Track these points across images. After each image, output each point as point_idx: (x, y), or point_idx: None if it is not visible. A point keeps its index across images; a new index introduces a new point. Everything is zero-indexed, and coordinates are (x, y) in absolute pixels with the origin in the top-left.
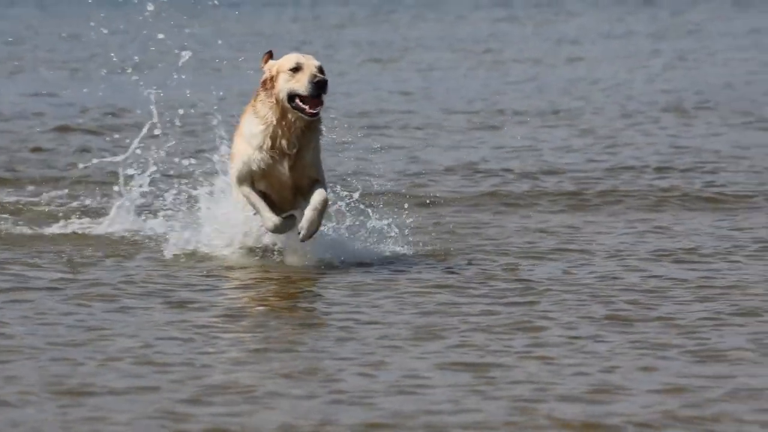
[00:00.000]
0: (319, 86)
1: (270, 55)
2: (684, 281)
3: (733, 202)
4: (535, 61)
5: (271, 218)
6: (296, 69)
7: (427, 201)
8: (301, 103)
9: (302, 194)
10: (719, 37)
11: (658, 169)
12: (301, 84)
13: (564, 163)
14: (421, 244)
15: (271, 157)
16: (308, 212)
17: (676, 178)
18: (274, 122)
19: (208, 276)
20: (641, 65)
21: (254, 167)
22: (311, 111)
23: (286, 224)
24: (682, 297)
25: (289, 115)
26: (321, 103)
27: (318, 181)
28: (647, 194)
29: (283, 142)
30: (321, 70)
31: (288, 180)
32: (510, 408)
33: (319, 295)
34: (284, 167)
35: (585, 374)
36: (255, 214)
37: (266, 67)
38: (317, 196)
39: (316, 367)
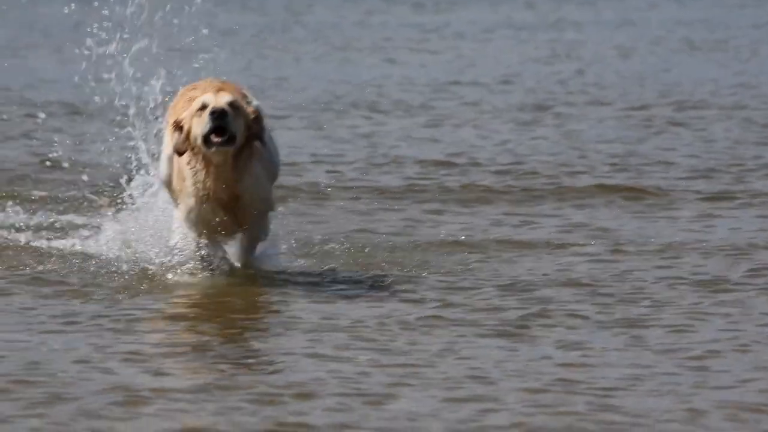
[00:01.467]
0: (217, 117)
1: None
2: None
3: None
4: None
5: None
6: (202, 108)
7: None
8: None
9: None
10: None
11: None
12: (203, 120)
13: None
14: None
15: (212, 208)
16: (239, 252)
17: None
18: (201, 171)
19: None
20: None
21: (200, 219)
22: (216, 139)
23: (217, 253)
24: None
25: (205, 165)
26: (223, 141)
27: (251, 229)
28: None
29: (218, 190)
30: (230, 103)
31: (225, 226)
32: None
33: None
34: (221, 216)
35: None
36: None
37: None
38: (246, 236)
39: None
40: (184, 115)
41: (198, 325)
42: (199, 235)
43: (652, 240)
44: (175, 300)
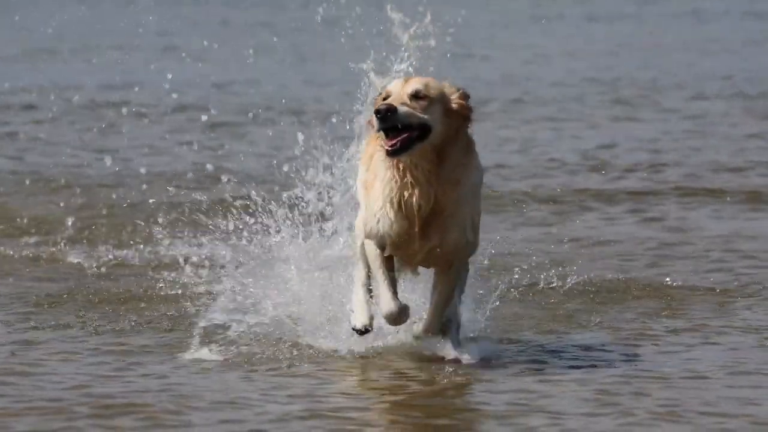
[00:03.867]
0: (382, 117)
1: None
2: None
3: None
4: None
5: (390, 303)
6: (386, 99)
7: None
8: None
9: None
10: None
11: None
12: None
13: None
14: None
15: (403, 226)
16: (429, 313)
17: None
18: (396, 175)
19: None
20: None
21: (386, 234)
22: (386, 147)
23: (403, 316)
24: None
25: (401, 170)
26: (396, 136)
27: (452, 271)
28: None
29: (409, 198)
30: (414, 93)
31: (417, 249)
32: None
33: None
34: (415, 242)
35: None
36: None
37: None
38: (442, 290)
39: None
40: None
41: None
42: (380, 247)
43: None
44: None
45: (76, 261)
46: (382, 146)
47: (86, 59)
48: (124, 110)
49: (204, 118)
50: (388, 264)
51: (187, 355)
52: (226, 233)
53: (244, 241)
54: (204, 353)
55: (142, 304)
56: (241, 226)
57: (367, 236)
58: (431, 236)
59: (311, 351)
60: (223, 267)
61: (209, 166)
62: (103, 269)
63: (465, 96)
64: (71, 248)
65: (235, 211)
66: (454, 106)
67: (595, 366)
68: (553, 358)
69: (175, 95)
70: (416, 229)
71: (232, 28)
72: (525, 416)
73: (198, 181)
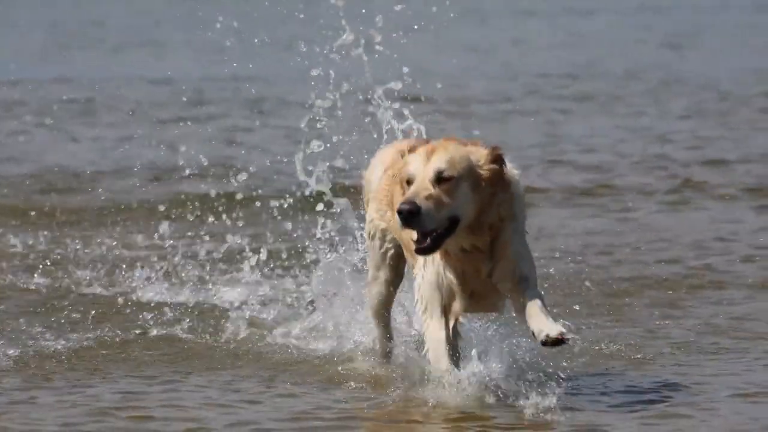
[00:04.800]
0: (405, 219)
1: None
2: None
3: None
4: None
5: (445, 369)
6: (409, 183)
7: None
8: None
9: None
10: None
11: None
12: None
13: None
14: None
15: (456, 273)
16: (542, 320)
17: None
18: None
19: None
20: None
21: (443, 286)
22: (415, 248)
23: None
24: None
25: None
26: (426, 233)
27: (525, 280)
28: None
29: (461, 269)
30: (437, 176)
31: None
32: None
33: None
34: (472, 284)
35: None
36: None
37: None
38: (531, 298)
39: None
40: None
41: None
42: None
43: None
44: None
45: None
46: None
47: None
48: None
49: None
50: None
51: None
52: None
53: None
54: None
55: None
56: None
57: (427, 302)
58: (486, 279)
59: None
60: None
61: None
62: None
63: (497, 158)
64: None
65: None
66: (484, 173)
67: None
68: None
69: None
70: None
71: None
72: None
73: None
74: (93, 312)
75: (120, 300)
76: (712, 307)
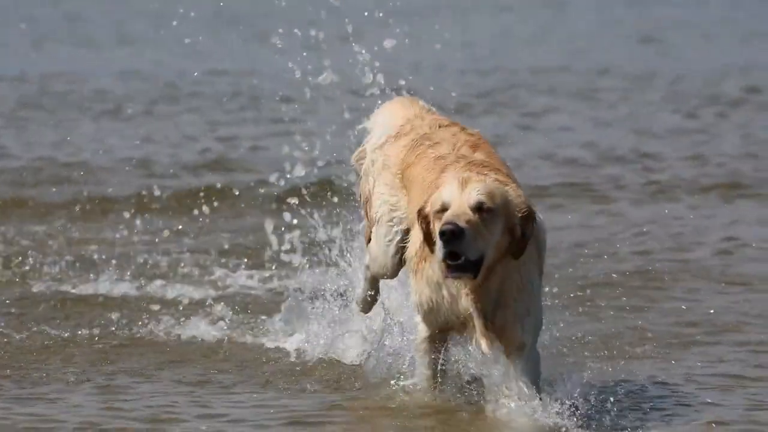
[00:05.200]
0: (447, 240)
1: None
2: None
3: None
4: None
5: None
6: (442, 210)
7: None
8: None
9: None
10: None
11: None
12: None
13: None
14: None
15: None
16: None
17: None
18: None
19: None
20: None
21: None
22: (446, 274)
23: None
24: None
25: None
26: (458, 267)
27: (524, 347)
28: None
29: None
30: (478, 206)
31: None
32: None
33: None
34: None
35: None
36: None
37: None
38: (525, 368)
39: None
40: (428, 210)
41: None
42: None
43: None
44: None
45: None
46: (440, 268)
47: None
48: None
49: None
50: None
51: None
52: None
53: None
54: None
55: None
56: None
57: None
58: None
59: None
60: None
61: None
62: None
63: (531, 217)
64: None
65: None
66: (517, 224)
67: None
68: None
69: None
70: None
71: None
72: None
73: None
74: (58, 307)
75: (86, 295)
76: (685, 301)
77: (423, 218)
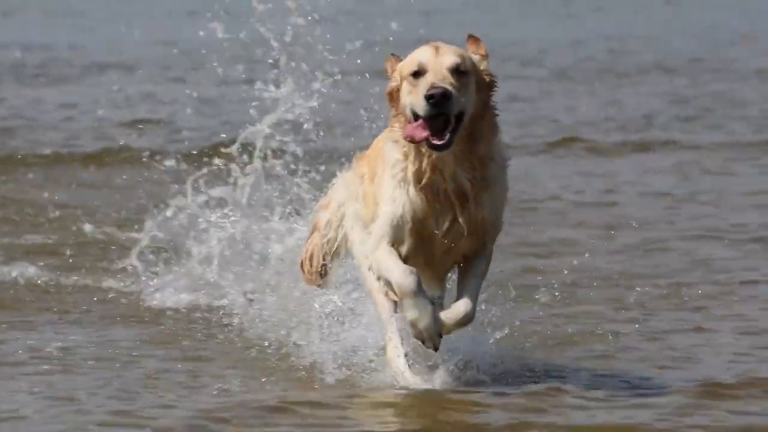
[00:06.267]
0: (435, 103)
1: (397, 59)
2: None
3: None
4: None
5: (406, 283)
6: (417, 73)
7: None
8: (423, 129)
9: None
10: None
11: None
12: (417, 98)
13: None
14: None
15: (427, 203)
16: (464, 300)
17: None
18: (412, 153)
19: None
20: None
21: (407, 218)
22: (434, 142)
23: (420, 287)
24: None
25: (422, 148)
26: (447, 125)
27: (483, 254)
28: None
29: (438, 181)
30: (455, 68)
31: (441, 246)
32: None
33: None
34: (440, 224)
35: None
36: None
37: (392, 73)
38: (476, 272)
39: None
40: (392, 85)
41: None
42: (400, 251)
43: None
44: None
45: None
46: (409, 135)
47: None
48: None
49: None
50: None
51: None
52: None
53: None
54: None
55: None
56: None
57: (380, 235)
58: (460, 217)
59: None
60: None
61: None
62: None
63: (493, 84)
64: None
65: None
66: (485, 78)
67: None
68: None
69: None
70: (442, 212)
71: None
72: None
73: None
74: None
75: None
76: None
77: (395, 89)
